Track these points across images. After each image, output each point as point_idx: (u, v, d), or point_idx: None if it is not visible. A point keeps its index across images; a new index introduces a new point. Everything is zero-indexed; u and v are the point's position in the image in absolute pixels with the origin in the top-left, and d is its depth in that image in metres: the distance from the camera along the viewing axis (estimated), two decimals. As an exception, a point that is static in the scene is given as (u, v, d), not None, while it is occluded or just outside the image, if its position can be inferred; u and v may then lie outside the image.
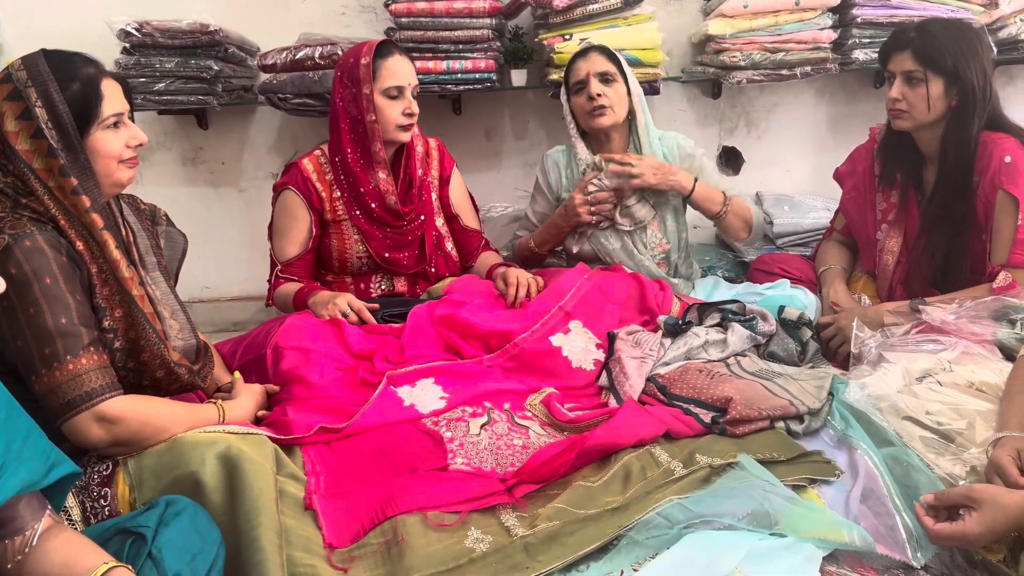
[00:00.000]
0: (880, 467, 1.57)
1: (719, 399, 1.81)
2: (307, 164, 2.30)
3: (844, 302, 2.26)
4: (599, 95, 2.38)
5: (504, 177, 3.35)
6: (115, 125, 1.55)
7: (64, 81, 1.49)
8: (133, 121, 1.62)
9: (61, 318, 1.43)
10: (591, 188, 2.40)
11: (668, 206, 2.51)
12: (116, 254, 1.52)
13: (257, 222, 3.03)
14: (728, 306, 2.17)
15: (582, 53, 2.48)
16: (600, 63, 2.42)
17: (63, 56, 1.53)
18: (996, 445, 1.45)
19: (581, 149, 2.49)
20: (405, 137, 2.27)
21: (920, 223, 2.22)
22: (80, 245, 1.50)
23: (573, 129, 2.51)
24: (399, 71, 2.22)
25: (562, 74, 2.82)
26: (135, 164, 1.60)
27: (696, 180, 2.41)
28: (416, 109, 2.26)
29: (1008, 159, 2.03)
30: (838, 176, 2.52)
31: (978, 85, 2.05)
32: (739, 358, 2.02)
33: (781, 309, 2.16)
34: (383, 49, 2.23)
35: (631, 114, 2.47)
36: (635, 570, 1.37)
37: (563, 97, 2.52)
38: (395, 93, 2.22)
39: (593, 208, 2.40)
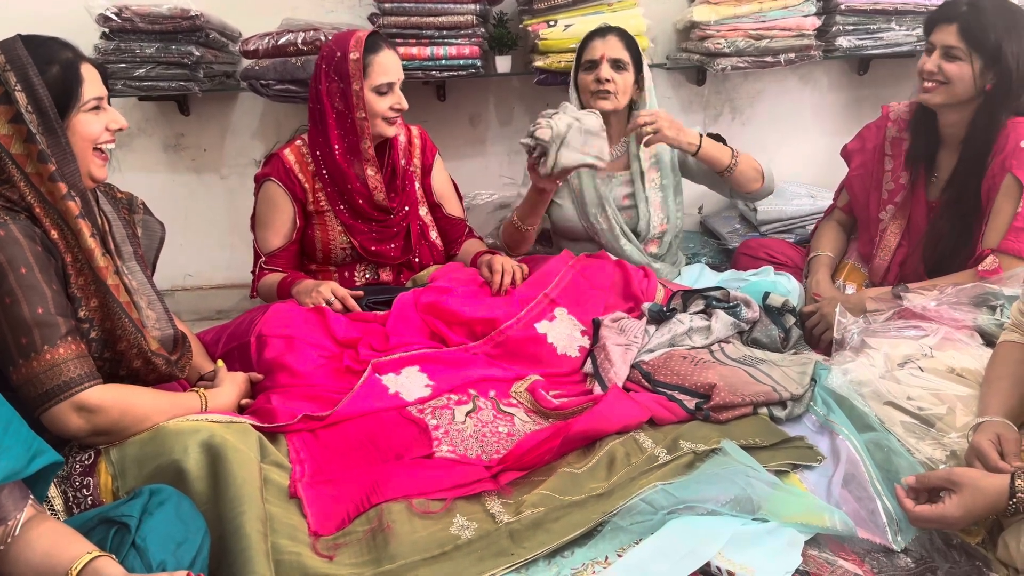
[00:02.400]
0: (861, 452, 1.59)
1: (703, 385, 1.82)
2: (289, 155, 2.28)
3: (826, 293, 2.27)
4: (608, 80, 2.39)
5: (489, 164, 3.34)
6: (95, 108, 1.54)
7: (43, 65, 1.47)
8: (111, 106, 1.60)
9: (38, 308, 1.41)
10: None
11: (671, 186, 2.51)
12: (91, 243, 1.51)
13: (240, 209, 3.01)
14: (712, 293, 2.18)
15: (601, 33, 2.47)
16: (616, 49, 2.42)
17: (40, 40, 1.51)
18: (976, 430, 1.47)
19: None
20: (391, 132, 2.25)
21: (937, 205, 2.20)
22: (55, 234, 1.48)
23: (576, 107, 2.49)
24: (389, 67, 2.20)
25: (547, 61, 2.83)
26: (107, 160, 1.59)
27: (702, 136, 2.35)
28: (405, 104, 2.23)
29: (1023, 144, 2.02)
30: (846, 153, 2.50)
31: (1016, 71, 2.02)
32: (723, 344, 2.03)
33: (766, 296, 2.17)
34: (372, 43, 2.19)
35: (632, 102, 2.49)
36: (619, 555, 1.38)
37: (572, 73, 2.52)
38: (385, 89, 2.19)
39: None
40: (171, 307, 1.78)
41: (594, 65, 2.42)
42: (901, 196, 2.28)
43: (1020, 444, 1.44)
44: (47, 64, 1.48)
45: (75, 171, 1.51)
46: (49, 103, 1.46)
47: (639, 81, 2.49)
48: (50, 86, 1.47)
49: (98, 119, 1.55)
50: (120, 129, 1.59)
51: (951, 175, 2.17)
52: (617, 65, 2.41)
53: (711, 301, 2.14)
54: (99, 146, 1.56)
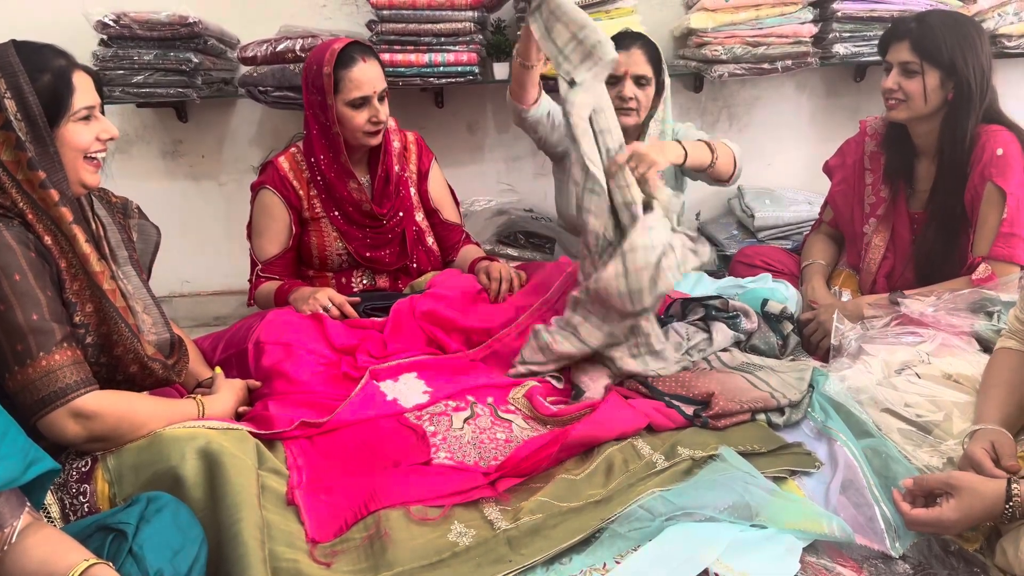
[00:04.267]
0: (859, 458, 1.59)
1: (701, 393, 1.82)
2: (283, 162, 2.28)
3: (822, 300, 2.27)
4: (631, 97, 2.36)
5: (487, 171, 3.34)
6: (86, 118, 1.53)
7: (34, 72, 1.46)
8: (104, 114, 1.59)
9: (32, 314, 1.40)
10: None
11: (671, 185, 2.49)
12: (86, 248, 1.50)
13: (238, 215, 3.01)
14: (711, 302, 2.17)
15: (624, 45, 2.35)
16: (640, 64, 2.36)
17: (33, 47, 1.50)
18: (971, 438, 1.47)
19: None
20: (374, 142, 2.23)
21: (920, 217, 2.23)
22: (48, 240, 1.47)
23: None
24: (363, 80, 2.15)
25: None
26: (99, 167, 1.57)
27: (682, 144, 2.18)
28: (383, 116, 2.20)
29: (1000, 151, 2.04)
30: (827, 169, 2.52)
31: (975, 79, 2.06)
32: (719, 352, 2.03)
33: (764, 302, 2.17)
34: (345, 57, 2.15)
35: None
36: (617, 562, 1.37)
37: None
38: (360, 103, 2.16)
39: None
40: (169, 313, 1.78)
41: (616, 81, 2.36)
42: (883, 209, 2.30)
43: (1015, 449, 1.44)
44: (39, 72, 1.47)
45: (63, 179, 1.49)
46: (38, 111, 1.45)
47: (660, 90, 2.44)
48: (40, 94, 1.45)
49: (88, 129, 1.53)
50: (111, 139, 1.57)
51: (932, 187, 2.19)
52: (640, 82, 2.37)
53: (710, 311, 2.13)
54: (90, 155, 1.54)
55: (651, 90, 2.41)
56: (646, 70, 2.38)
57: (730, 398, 1.78)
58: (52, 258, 1.47)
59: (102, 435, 1.46)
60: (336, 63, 2.14)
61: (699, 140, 2.29)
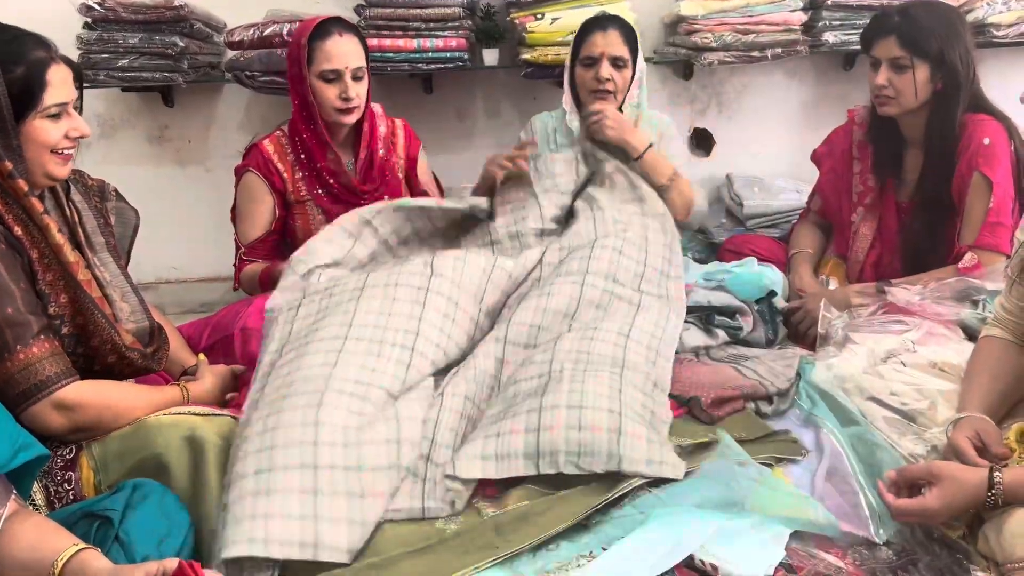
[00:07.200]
0: (845, 446, 1.60)
1: (692, 386, 1.79)
2: (267, 145, 2.27)
3: (809, 288, 2.27)
4: (608, 79, 2.34)
5: (476, 157, 3.30)
6: (56, 115, 1.47)
7: (8, 63, 1.41)
8: (81, 110, 1.54)
9: (7, 308, 1.38)
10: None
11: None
12: (59, 238, 1.47)
13: (225, 201, 2.98)
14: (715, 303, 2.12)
15: (601, 25, 2.36)
16: (617, 46, 2.34)
17: (12, 35, 1.45)
18: (955, 426, 1.48)
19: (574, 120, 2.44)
20: (346, 120, 2.22)
21: (908, 207, 2.23)
22: (19, 230, 1.43)
23: (569, 98, 2.44)
24: (335, 54, 2.15)
25: (534, 54, 2.82)
26: (68, 160, 1.52)
27: (650, 146, 2.32)
28: (353, 93, 2.17)
29: (987, 141, 2.05)
30: (816, 157, 2.52)
31: (962, 68, 2.06)
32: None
33: (771, 294, 2.16)
34: (321, 29, 2.16)
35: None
36: (604, 549, 1.38)
37: (568, 63, 2.45)
38: (331, 76, 2.16)
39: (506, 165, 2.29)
40: (155, 300, 1.76)
41: (593, 62, 2.34)
42: (870, 198, 2.30)
43: (1000, 437, 1.45)
44: (13, 63, 1.42)
45: (25, 172, 1.45)
46: (5, 103, 1.40)
47: (635, 73, 2.41)
48: (10, 85, 1.40)
49: (56, 126, 1.47)
50: (81, 137, 1.52)
51: (919, 177, 2.20)
52: (617, 63, 2.34)
53: (711, 314, 2.08)
54: (57, 150, 1.49)
55: (628, 73, 2.38)
56: (623, 51, 2.35)
57: (721, 388, 1.76)
58: (23, 249, 1.44)
59: (86, 425, 1.45)
60: (312, 35, 2.15)
61: (673, 163, 2.35)
